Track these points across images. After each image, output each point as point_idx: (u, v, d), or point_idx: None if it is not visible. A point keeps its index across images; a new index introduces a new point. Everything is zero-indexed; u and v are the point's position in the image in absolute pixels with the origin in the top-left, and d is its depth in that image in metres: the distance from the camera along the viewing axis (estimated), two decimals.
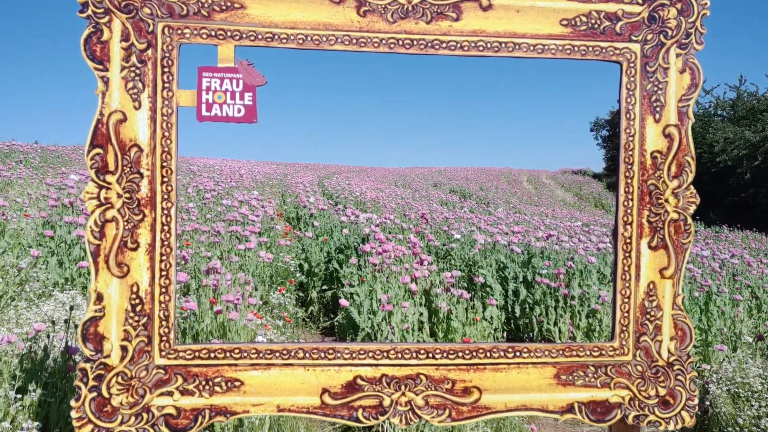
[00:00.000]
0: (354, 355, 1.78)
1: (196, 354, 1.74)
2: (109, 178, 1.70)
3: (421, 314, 4.07)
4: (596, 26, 1.83)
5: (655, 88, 1.86)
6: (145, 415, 1.71)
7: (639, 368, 1.87)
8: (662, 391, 1.87)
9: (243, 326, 3.23)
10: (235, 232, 5.32)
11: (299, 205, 11.69)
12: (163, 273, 1.73)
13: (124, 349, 1.71)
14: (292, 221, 12.36)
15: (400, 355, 1.79)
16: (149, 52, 1.71)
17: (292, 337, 5.21)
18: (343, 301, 4.14)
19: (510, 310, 5.83)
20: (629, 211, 1.86)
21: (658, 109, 1.87)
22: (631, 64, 1.85)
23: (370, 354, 1.79)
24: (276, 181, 21.28)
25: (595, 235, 7.70)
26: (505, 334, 5.39)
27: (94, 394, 1.68)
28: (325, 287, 6.85)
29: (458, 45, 1.80)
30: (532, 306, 5.63)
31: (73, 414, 1.67)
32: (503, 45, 1.81)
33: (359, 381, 1.78)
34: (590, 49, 1.83)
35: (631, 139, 1.86)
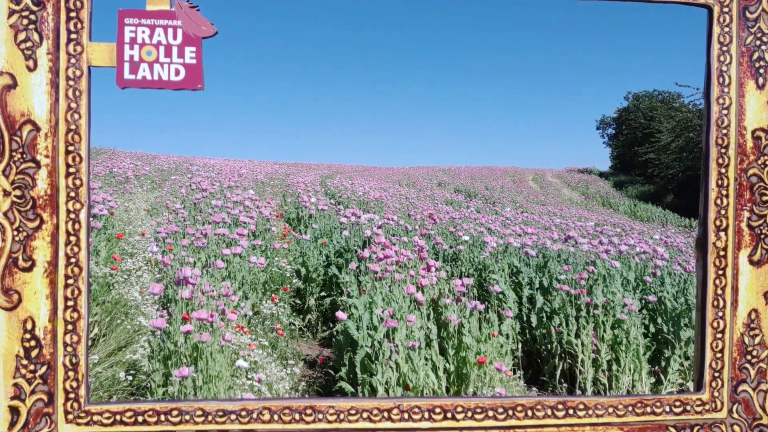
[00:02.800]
0: (342, 416, 1.27)
1: (118, 417, 1.23)
2: None
3: (429, 330, 3.55)
4: None
5: (758, 42, 1.35)
6: None
7: (736, 429, 1.35)
8: None
9: (220, 349, 2.73)
10: (223, 236, 4.81)
11: (300, 205, 11.19)
12: (70, 303, 1.22)
13: (14, 411, 1.21)
14: (292, 222, 11.85)
15: (406, 416, 1.28)
16: None
17: (284, 354, 4.70)
18: (340, 314, 3.62)
19: (525, 319, 5.32)
20: (723, 212, 1.34)
21: (761, 71, 1.35)
22: (725, 9, 1.34)
23: (365, 414, 1.28)
24: (278, 180, 20.80)
25: (612, 237, 7.18)
26: (520, 346, 4.87)
27: None
28: (323, 294, 6.34)
29: None
30: (550, 315, 5.11)
31: None
32: None
33: None
34: None
35: (725, 112, 1.34)
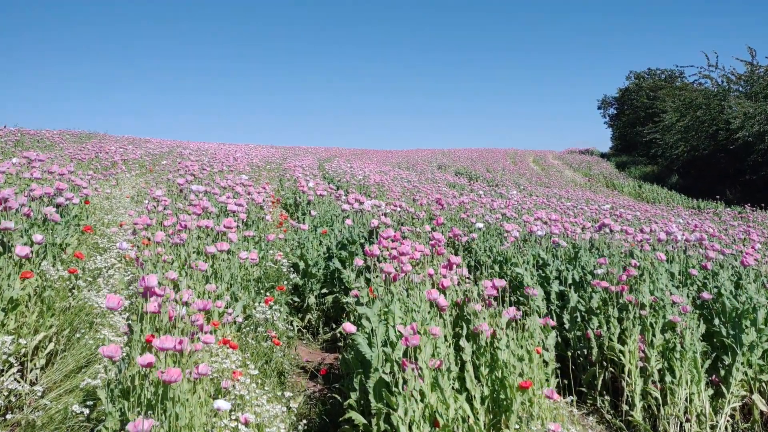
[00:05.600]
0: None
1: None
2: None
3: (461, 348, 2.86)
4: None
5: None
6: None
7: None
8: None
9: (192, 388, 2.04)
10: (207, 229, 4.11)
11: (297, 191, 10.45)
12: None
13: None
14: (290, 208, 11.15)
15: None
16: None
17: (280, 367, 4.01)
18: (349, 326, 2.94)
19: (555, 319, 4.64)
20: None
21: None
22: None
23: None
24: (274, 165, 20.05)
25: (645, 223, 6.48)
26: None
27: None
28: (325, 290, 5.65)
29: None
30: (587, 315, 4.43)
31: None
32: None
33: None
34: None
35: None
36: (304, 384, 4.33)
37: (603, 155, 45.44)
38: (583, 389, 4.23)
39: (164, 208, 5.13)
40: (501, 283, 3.23)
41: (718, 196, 24.30)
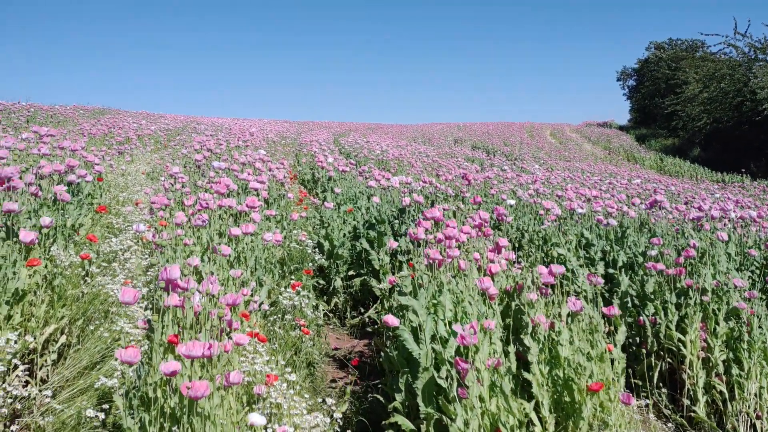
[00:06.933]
0: None
1: None
2: None
3: (510, 342, 2.54)
4: None
5: None
6: None
7: None
8: None
9: (220, 403, 1.73)
10: (229, 208, 3.79)
11: (316, 166, 10.11)
12: None
13: None
14: (308, 184, 10.83)
15: None
16: None
17: (310, 358, 3.71)
18: (390, 318, 2.60)
19: (602, 304, 4.29)
20: None
21: None
22: None
23: None
24: (289, 139, 19.68)
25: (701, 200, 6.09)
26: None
27: None
28: (351, 272, 5.34)
29: None
30: (639, 301, 4.09)
31: None
32: None
33: None
34: None
35: None
36: (333, 373, 4.04)
37: (621, 128, 44.59)
38: (637, 381, 3.90)
39: (182, 186, 4.81)
40: (560, 269, 2.89)
41: (743, 169, 23.66)
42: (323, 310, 4.93)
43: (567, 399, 2.50)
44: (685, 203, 5.51)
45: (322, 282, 5.27)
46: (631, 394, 2.36)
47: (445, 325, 2.59)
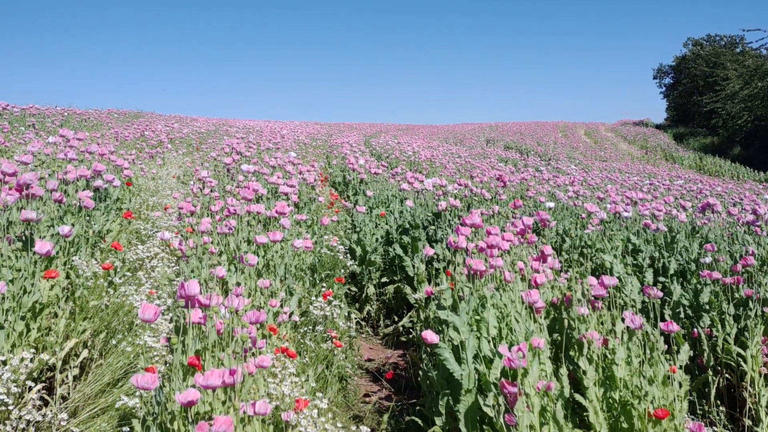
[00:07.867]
0: None
1: None
2: None
3: (560, 360, 2.31)
4: None
5: None
6: None
7: None
8: None
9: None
10: (255, 214, 3.62)
11: (347, 168, 9.95)
12: None
13: None
14: (339, 187, 10.67)
15: None
16: None
17: (342, 371, 3.52)
18: (430, 335, 2.40)
19: (651, 315, 4.02)
20: None
21: None
22: None
23: None
24: (320, 141, 19.59)
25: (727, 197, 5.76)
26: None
27: None
28: (384, 279, 5.15)
29: None
30: (696, 312, 3.81)
31: None
32: None
33: None
34: None
35: None
36: (366, 387, 3.86)
37: (658, 126, 43.64)
38: (692, 398, 3.63)
39: (210, 191, 4.68)
40: (612, 280, 2.65)
41: None
42: (355, 318, 4.75)
43: (625, 425, 2.27)
44: (733, 205, 5.18)
45: (354, 289, 5.09)
46: (702, 425, 2.11)
47: (489, 342, 2.38)
